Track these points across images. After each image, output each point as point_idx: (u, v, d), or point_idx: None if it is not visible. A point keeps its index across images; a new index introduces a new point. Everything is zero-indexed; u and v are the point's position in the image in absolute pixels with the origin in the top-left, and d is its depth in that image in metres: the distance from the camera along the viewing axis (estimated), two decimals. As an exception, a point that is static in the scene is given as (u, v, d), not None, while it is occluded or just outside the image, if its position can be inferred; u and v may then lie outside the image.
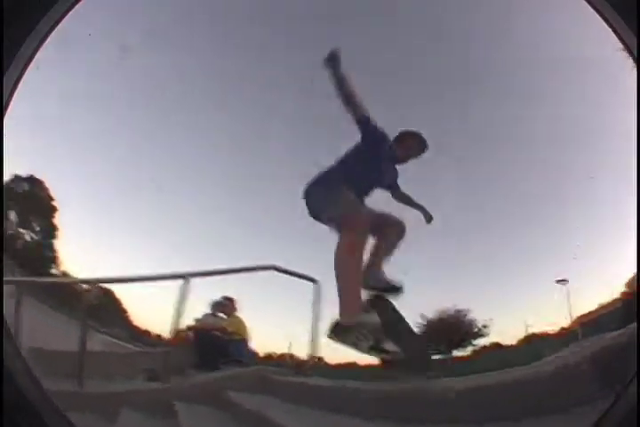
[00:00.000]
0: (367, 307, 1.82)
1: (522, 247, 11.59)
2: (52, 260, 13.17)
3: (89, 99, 11.32)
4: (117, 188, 13.54)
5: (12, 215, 12.61)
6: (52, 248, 13.46)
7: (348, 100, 1.88)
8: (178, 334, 3.80)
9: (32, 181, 12.95)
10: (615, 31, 0.92)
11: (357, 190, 1.88)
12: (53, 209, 13.43)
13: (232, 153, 13.63)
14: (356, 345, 1.72)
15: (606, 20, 0.93)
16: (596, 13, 1.02)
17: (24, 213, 13.10)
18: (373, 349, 1.73)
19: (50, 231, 13.62)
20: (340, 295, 1.64)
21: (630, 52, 0.93)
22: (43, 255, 13.03)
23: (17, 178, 12.46)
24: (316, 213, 1.91)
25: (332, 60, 1.85)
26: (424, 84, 12.76)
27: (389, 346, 1.76)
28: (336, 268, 1.60)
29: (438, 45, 12.12)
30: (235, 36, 11.79)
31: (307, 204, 1.94)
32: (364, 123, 1.94)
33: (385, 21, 10.80)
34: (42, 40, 0.91)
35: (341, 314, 1.68)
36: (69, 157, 13.07)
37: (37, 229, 13.60)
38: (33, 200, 12.95)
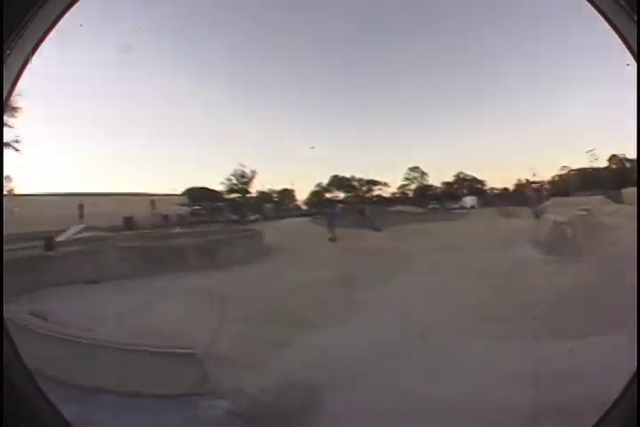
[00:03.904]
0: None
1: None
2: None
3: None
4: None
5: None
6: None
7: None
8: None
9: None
10: (615, 28, 0.90)
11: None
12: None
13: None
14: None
15: (606, 17, 0.91)
16: (596, 11, 1.01)
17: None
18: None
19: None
20: None
21: (630, 50, 0.91)
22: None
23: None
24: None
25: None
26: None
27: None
28: None
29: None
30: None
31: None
32: None
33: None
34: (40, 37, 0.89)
35: None
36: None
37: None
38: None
